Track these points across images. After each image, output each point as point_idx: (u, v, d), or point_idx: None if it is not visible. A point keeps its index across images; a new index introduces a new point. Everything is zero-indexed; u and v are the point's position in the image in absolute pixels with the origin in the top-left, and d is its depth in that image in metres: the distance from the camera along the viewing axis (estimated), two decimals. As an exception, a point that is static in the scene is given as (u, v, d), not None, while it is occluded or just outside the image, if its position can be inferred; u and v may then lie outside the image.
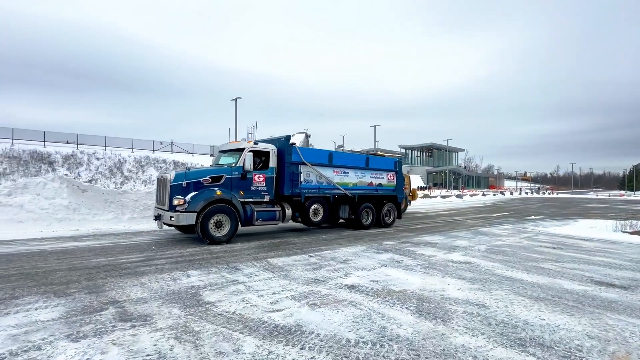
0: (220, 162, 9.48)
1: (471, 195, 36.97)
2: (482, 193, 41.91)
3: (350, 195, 10.94)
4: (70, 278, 5.15)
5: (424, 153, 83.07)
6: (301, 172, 9.75)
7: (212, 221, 7.99)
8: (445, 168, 69.10)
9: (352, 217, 11.26)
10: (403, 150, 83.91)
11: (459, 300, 4.49)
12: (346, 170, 10.94)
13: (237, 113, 28.70)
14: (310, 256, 7.11)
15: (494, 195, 46.64)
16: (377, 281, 5.34)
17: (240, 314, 3.90)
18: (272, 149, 9.39)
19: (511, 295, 4.76)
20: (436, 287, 5.07)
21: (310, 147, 12.06)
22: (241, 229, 9.95)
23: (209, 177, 8.30)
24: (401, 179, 12.68)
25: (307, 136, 13.04)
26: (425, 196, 30.28)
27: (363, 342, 3.27)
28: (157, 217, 8.19)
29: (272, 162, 9.33)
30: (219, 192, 8.15)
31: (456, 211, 21.26)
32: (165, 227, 8.73)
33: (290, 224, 11.32)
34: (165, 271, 5.65)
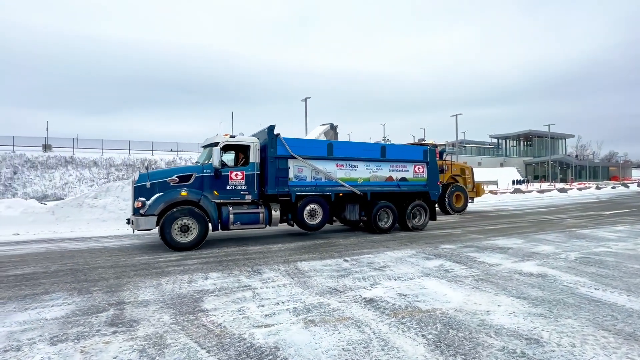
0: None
1: (580, 189, 31.00)
2: (595, 186, 34.90)
3: (359, 193, 9.24)
4: (103, 276, 5.47)
5: (521, 142, 73.29)
6: (290, 167, 8.41)
7: (176, 225, 7.17)
8: (548, 158, 59.79)
9: (365, 219, 9.51)
10: (495, 140, 75.46)
11: (502, 330, 3.39)
12: (354, 163, 9.26)
13: (307, 113, 29.12)
14: (345, 260, 6.45)
15: (613, 188, 38.40)
16: (405, 295, 4.46)
17: (225, 326, 3.52)
18: (252, 142, 8.26)
19: (588, 328, 3.43)
20: (479, 309, 3.97)
21: (342, 140, 11.06)
22: (291, 230, 9.73)
23: (176, 177, 7.54)
24: (435, 172, 10.53)
25: (333, 128, 12.09)
26: (516, 191, 26.31)
27: (340, 380, 2.57)
28: (129, 221, 7.65)
29: (254, 158, 8.18)
30: (184, 193, 7.35)
31: (555, 208, 17.90)
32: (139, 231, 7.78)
33: (335, 225, 10.66)
34: (189, 272, 5.64)
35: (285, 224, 8.94)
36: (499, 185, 39.71)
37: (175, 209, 7.21)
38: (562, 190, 29.10)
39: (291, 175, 8.45)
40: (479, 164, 65.02)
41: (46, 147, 35.05)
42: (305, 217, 8.64)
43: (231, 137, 8.24)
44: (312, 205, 8.73)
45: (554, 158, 62.60)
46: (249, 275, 5.46)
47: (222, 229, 7.86)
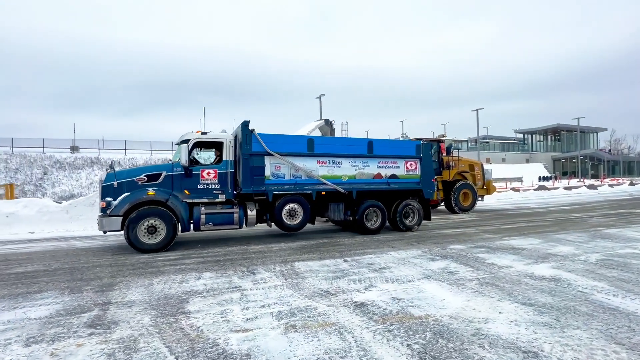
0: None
1: (611, 186, 29.22)
2: (629, 182, 32.81)
3: (343, 191, 8.70)
4: (99, 274, 5.48)
5: (549, 137, 70.14)
6: (266, 165, 8.00)
7: (142, 226, 6.95)
8: (577, 153, 56.90)
9: (351, 218, 9.00)
10: (520, 136, 72.58)
11: (498, 341, 3.08)
12: (337, 159, 8.74)
13: (321, 111, 28.84)
14: (345, 260, 6.22)
15: (651, 184, 35.99)
16: (400, 299, 4.19)
17: (202, 330, 3.38)
18: (225, 139, 7.91)
19: (598, 341, 3.07)
20: (477, 316, 3.65)
21: (340, 136, 10.57)
22: (308, 228, 9.54)
23: (144, 176, 7.32)
24: (429, 168, 9.93)
25: (328, 123, 11.53)
26: (541, 188, 25.01)
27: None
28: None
29: (227, 155, 7.86)
30: (150, 192, 7.11)
31: (581, 206, 16.89)
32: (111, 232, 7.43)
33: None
34: (184, 272, 5.57)
35: (265, 224, 8.56)
36: (523, 182, 38.15)
37: (140, 209, 6.97)
38: (591, 186, 27.50)
39: (268, 173, 8.05)
40: (503, 160, 62.77)
41: (73, 149, 36.61)
42: (283, 217, 8.20)
43: (203, 133, 7.89)
44: (291, 205, 8.29)
45: (584, 153, 59.56)
46: (242, 275, 5.33)
47: (194, 229, 7.59)
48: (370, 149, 9.07)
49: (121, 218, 6.87)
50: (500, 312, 3.74)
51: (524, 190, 23.81)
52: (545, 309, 3.82)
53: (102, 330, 3.41)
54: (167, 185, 7.40)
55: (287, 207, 8.23)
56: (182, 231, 7.46)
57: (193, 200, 7.56)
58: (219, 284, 4.91)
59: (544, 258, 6.26)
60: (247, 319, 3.65)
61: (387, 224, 9.56)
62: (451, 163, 14.91)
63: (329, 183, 8.57)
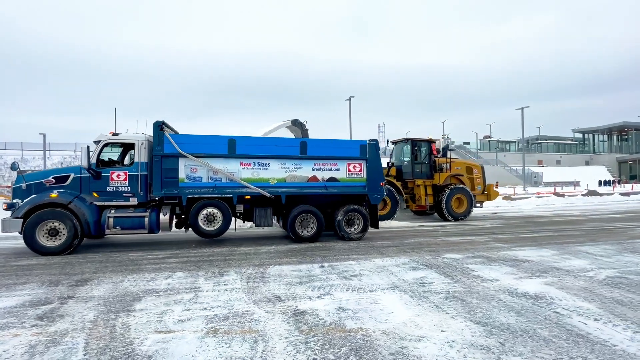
0: None
1: (684, 192, 25.47)
2: None
3: (269, 195, 8.09)
4: (85, 269, 5.88)
5: (614, 136, 63.09)
6: (180, 167, 7.63)
7: (43, 229, 6.84)
8: (648, 154, 50.52)
9: (280, 224, 8.25)
10: (579, 135, 66.06)
11: (414, 363, 2.79)
12: (264, 161, 8.14)
13: (351, 113, 28.57)
14: (322, 266, 6.07)
15: None
16: (345, 310, 3.98)
17: (130, 328, 3.48)
18: (137, 140, 7.61)
19: (531, 372, 2.66)
20: (414, 333, 3.36)
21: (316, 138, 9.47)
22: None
23: (52, 178, 7.22)
24: (376, 171, 8.90)
25: (297, 124, 10.82)
26: (591, 193, 22.40)
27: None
28: None
29: (140, 157, 7.54)
30: (53, 195, 6.97)
31: (633, 214, 14.92)
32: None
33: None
34: (160, 270, 5.79)
35: (184, 229, 8.25)
36: (579, 187, 34.69)
37: (40, 212, 6.89)
38: (657, 192, 24.19)
39: (182, 175, 7.67)
40: (558, 163, 57.65)
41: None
42: (200, 222, 7.75)
43: (114, 134, 7.75)
44: (209, 210, 7.81)
45: (656, 154, 52.74)
46: (209, 277, 5.41)
47: (98, 234, 7.42)
48: (303, 149, 8.41)
49: (22, 220, 6.85)
50: (442, 331, 3.41)
51: (570, 196, 21.57)
52: (498, 331, 3.42)
53: (45, 323, 3.64)
54: (75, 188, 7.30)
55: (204, 212, 7.80)
56: (88, 235, 7.28)
57: (103, 203, 7.41)
58: (182, 284, 5.04)
59: (543, 272, 5.62)
60: (179, 321, 3.69)
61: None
62: (444, 165, 13.51)
63: (252, 186, 7.99)
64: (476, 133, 57.58)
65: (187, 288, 4.82)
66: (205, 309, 4.04)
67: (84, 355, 2.96)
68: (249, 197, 8.15)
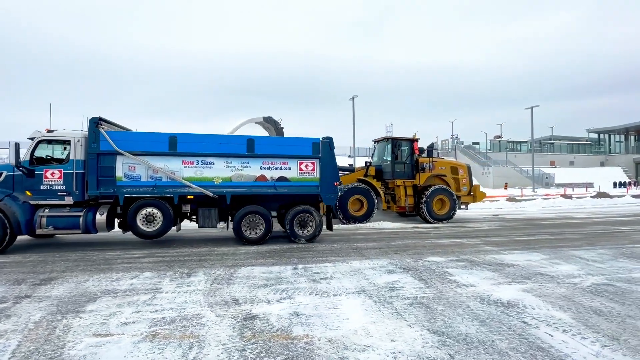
0: None
1: (702, 194, 24.38)
2: None
3: (212, 195, 7.75)
4: (56, 268, 5.84)
5: (631, 137, 61.03)
6: (117, 165, 7.37)
7: None
8: (667, 155, 48.69)
9: (225, 225, 8.20)
10: (594, 135, 64.16)
11: (347, 376, 2.60)
12: (208, 159, 7.82)
13: (354, 113, 28.08)
14: (295, 268, 5.90)
15: None
16: (299, 315, 3.81)
17: (70, 331, 3.38)
18: (73, 137, 7.33)
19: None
20: (362, 342, 3.16)
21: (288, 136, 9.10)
22: (281, 231, 9.32)
23: None
24: (330, 170, 8.46)
25: (269, 121, 10.55)
26: (600, 195, 21.58)
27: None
28: None
29: (76, 154, 7.28)
30: None
31: (643, 217, 14.30)
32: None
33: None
34: (129, 270, 5.71)
35: (122, 229, 7.91)
36: (592, 188, 33.63)
37: None
38: (673, 195, 23.19)
39: (120, 174, 7.40)
40: (571, 163, 56.12)
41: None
42: (139, 222, 7.47)
43: (49, 131, 7.45)
44: (148, 209, 7.52)
45: (676, 155, 50.79)
46: (175, 277, 5.30)
47: (29, 233, 7.22)
48: (250, 147, 8.03)
49: None
50: (392, 340, 3.21)
51: (579, 198, 20.85)
52: (452, 341, 3.19)
53: (-11, 323, 3.57)
54: (8, 186, 7.09)
55: (143, 212, 7.52)
56: (18, 234, 7.05)
57: (37, 202, 7.17)
58: (145, 284, 4.93)
59: (525, 278, 5.33)
60: (123, 324, 3.57)
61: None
62: (426, 165, 12.84)
63: (194, 186, 7.65)
64: (485, 133, 56.50)
65: (148, 289, 4.72)
66: (156, 311, 3.92)
67: (9, 358, 2.87)
68: (191, 197, 7.86)
